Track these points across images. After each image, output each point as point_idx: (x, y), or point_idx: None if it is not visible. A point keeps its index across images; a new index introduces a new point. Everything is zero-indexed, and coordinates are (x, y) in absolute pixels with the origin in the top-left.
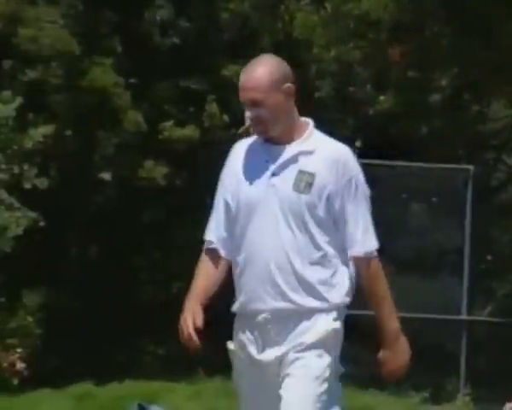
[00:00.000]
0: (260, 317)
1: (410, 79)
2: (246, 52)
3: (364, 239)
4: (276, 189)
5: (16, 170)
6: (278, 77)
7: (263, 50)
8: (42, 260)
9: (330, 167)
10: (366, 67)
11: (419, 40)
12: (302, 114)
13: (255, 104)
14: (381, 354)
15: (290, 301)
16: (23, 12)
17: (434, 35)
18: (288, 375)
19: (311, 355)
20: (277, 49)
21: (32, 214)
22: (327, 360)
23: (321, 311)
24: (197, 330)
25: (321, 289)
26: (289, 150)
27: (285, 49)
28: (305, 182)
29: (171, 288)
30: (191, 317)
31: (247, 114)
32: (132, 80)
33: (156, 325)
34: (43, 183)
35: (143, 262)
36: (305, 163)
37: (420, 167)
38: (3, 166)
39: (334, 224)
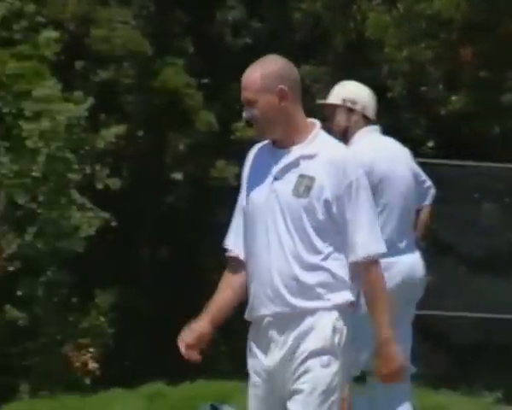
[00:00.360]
0: (264, 322)
1: (481, 78)
2: (318, 52)
3: (364, 243)
4: (277, 193)
5: (88, 170)
6: (273, 78)
7: (335, 50)
8: (113, 260)
9: (330, 171)
10: (438, 66)
11: (491, 40)
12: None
13: (249, 104)
14: (375, 359)
15: (290, 305)
16: (95, 13)
17: (506, 35)
18: (296, 391)
19: (316, 365)
20: (349, 49)
21: (104, 215)
22: (334, 367)
23: (322, 309)
24: (191, 345)
25: (321, 291)
26: (291, 154)
27: (357, 49)
28: (305, 186)
29: None
30: (186, 334)
31: (244, 114)
32: (204, 81)
33: (227, 325)
34: (115, 183)
35: (214, 262)
36: (305, 167)
37: (491, 167)
38: (76, 167)
39: (336, 227)
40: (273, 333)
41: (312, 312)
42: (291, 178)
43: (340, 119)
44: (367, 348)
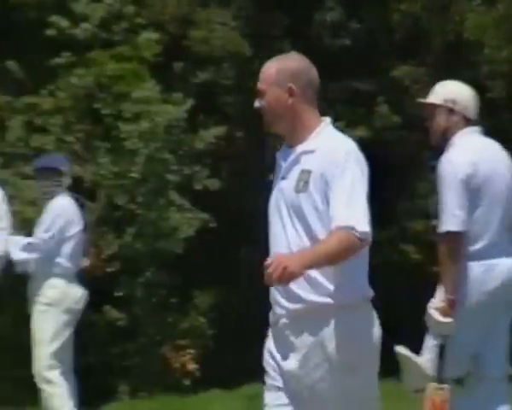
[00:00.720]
0: (280, 322)
1: None
2: (417, 53)
3: (337, 216)
4: (283, 192)
5: (187, 171)
6: (287, 75)
7: (433, 51)
8: (213, 261)
9: (325, 161)
10: None
11: None
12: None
13: (260, 94)
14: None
15: (301, 300)
16: (194, 14)
17: None
18: (324, 404)
19: (343, 375)
20: (448, 50)
21: (204, 215)
22: (360, 372)
23: (336, 310)
24: None
25: (330, 285)
26: (295, 152)
27: (456, 49)
28: (304, 181)
29: None
30: None
31: (255, 103)
32: None
33: None
34: (213, 184)
35: None
36: (305, 162)
37: None
38: (175, 168)
39: None
40: (289, 336)
41: (326, 310)
42: (294, 175)
43: (440, 119)
44: (465, 349)
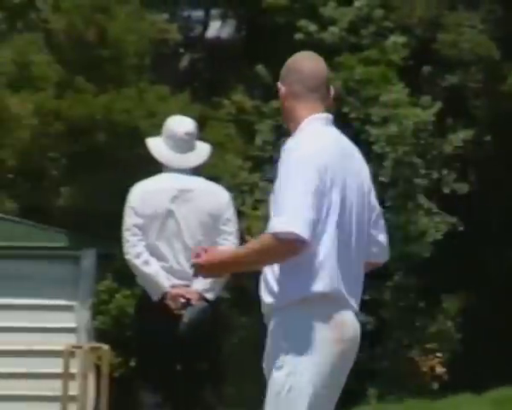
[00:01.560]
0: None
1: None
2: None
3: (271, 222)
4: None
5: (435, 175)
6: (288, 71)
7: None
8: (460, 265)
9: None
10: None
11: None
12: None
13: None
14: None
15: (261, 300)
16: (443, 17)
17: None
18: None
19: (273, 369)
20: None
21: (451, 219)
22: (285, 369)
23: (277, 309)
24: None
25: (275, 286)
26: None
27: None
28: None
29: None
30: None
31: None
32: None
33: None
34: (461, 188)
35: None
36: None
37: None
38: (423, 172)
39: None
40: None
41: (271, 309)
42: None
43: None
44: None
